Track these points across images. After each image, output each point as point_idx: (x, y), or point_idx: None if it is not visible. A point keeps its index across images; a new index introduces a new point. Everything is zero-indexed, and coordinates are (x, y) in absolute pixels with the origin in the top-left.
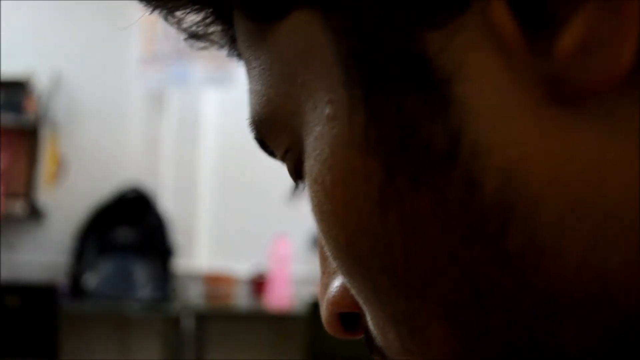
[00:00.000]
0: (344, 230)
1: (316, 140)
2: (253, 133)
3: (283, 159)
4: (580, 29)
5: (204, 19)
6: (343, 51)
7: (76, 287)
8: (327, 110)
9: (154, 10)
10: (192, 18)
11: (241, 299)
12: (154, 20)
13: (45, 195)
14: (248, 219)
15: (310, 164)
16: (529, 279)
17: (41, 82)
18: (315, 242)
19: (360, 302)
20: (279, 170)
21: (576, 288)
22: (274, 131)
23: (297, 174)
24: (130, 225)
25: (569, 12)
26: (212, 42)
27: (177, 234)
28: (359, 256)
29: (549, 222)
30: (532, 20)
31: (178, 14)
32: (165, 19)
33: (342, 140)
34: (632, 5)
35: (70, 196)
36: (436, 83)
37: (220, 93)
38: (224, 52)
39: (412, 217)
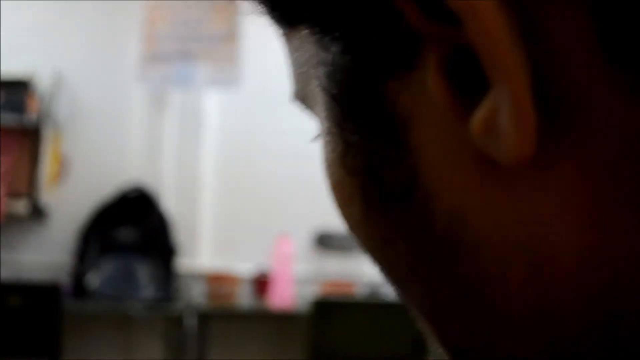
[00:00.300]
0: (345, 222)
1: (322, 141)
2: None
3: None
4: (485, 112)
5: None
6: (326, 77)
7: (79, 287)
8: (324, 124)
9: None
10: None
11: (244, 298)
12: (156, 19)
13: (48, 195)
14: (250, 219)
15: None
16: (478, 302)
17: (43, 81)
18: (317, 242)
19: None
20: (280, 169)
21: (519, 314)
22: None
23: None
24: (133, 224)
25: (482, 94)
26: None
27: (180, 234)
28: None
29: (491, 259)
30: (459, 91)
31: None
32: None
33: (332, 156)
34: (525, 97)
35: (72, 196)
36: (395, 127)
37: (223, 93)
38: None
39: (384, 234)
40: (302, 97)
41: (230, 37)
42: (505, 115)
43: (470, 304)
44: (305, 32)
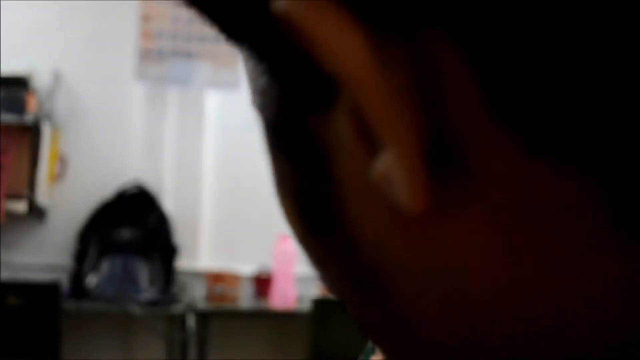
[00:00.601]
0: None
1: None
2: None
3: None
4: (379, 165)
5: None
6: (260, 101)
7: (78, 287)
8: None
9: None
10: None
11: (244, 298)
12: (154, 17)
13: (47, 194)
14: (251, 218)
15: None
16: (400, 329)
17: (42, 80)
18: None
19: None
20: None
21: (437, 341)
22: None
23: None
24: (133, 224)
25: (378, 146)
26: None
27: (180, 233)
28: None
29: (409, 290)
30: (365, 140)
31: None
32: None
33: (273, 175)
34: (414, 157)
35: (71, 195)
36: (320, 160)
37: (224, 92)
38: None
39: (318, 256)
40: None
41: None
42: (396, 172)
43: (394, 330)
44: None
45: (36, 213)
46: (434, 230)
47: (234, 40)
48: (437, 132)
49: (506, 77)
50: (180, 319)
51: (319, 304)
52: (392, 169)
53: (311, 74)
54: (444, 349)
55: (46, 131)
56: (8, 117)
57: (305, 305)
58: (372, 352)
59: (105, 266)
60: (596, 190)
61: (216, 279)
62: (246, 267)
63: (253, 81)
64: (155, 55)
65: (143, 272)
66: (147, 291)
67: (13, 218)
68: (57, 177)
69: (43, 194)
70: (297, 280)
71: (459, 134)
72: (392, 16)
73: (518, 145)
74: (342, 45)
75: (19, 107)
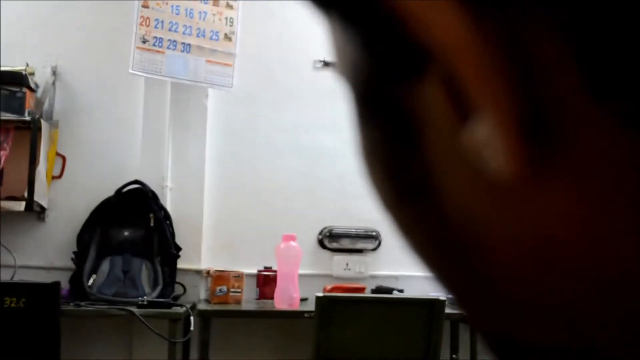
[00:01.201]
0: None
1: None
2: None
3: None
4: (474, 132)
5: None
6: (350, 68)
7: (78, 288)
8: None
9: None
10: None
11: (247, 299)
12: (156, 14)
13: (46, 193)
14: (254, 218)
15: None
16: (491, 292)
17: (40, 77)
18: (321, 242)
19: None
20: (285, 169)
21: (534, 304)
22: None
23: None
24: (133, 224)
25: (473, 109)
26: None
27: (182, 232)
28: None
29: (497, 256)
30: (457, 107)
31: None
32: None
33: (360, 143)
34: (511, 124)
35: (71, 195)
36: (408, 128)
37: (222, 91)
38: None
39: (405, 223)
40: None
41: (228, 35)
42: (493, 137)
43: (482, 294)
44: (335, 17)
45: (35, 212)
46: (528, 196)
47: (325, 9)
48: (532, 102)
49: (603, 50)
50: (182, 320)
51: (322, 304)
52: (489, 134)
53: (403, 43)
54: (533, 312)
55: (45, 129)
56: (6, 115)
57: (308, 306)
58: None
59: (106, 267)
60: None
61: (218, 279)
62: (249, 267)
63: (340, 52)
64: (150, 46)
65: (144, 273)
66: (148, 292)
67: (11, 218)
68: (57, 176)
69: (42, 194)
70: (300, 280)
71: (555, 104)
72: None
73: (613, 118)
74: (440, 17)
75: (17, 104)
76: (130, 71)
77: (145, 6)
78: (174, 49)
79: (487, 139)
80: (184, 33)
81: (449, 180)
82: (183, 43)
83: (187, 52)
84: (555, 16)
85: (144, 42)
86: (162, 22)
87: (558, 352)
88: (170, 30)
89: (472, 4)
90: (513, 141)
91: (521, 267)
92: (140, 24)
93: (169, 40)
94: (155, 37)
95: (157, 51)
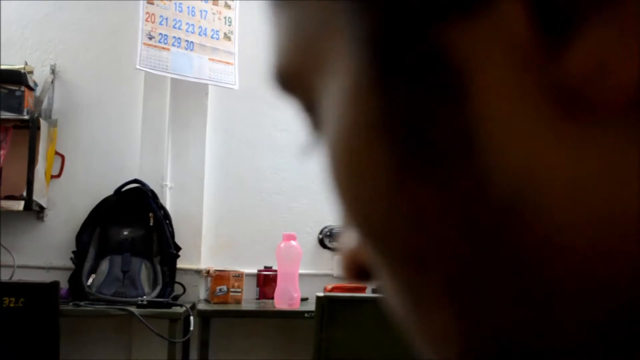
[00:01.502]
0: (357, 202)
1: (336, 110)
2: (277, 85)
3: (303, 112)
4: (595, 45)
5: None
6: (359, 33)
7: (77, 288)
8: (348, 86)
9: None
10: None
11: (247, 298)
12: (161, 11)
13: (45, 193)
14: (254, 217)
15: (330, 132)
16: (528, 281)
17: (39, 76)
18: (321, 242)
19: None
20: (285, 168)
21: (579, 290)
22: (296, 87)
23: (313, 128)
24: (133, 223)
25: (584, 24)
26: None
27: (181, 232)
28: (370, 227)
29: (558, 226)
30: (549, 25)
31: None
32: None
33: (359, 119)
34: (636, 25)
35: (70, 194)
36: (450, 76)
37: (222, 89)
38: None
39: (418, 206)
40: (301, 68)
41: (227, 35)
42: (614, 53)
43: (517, 285)
44: None
45: (34, 212)
46: (613, 136)
47: None
48: None
49: None
50: (182, 320)
51: (323, 304)
52: (608, 49)
53: None
54: (579, 306)
55: (43, 128)
56: (4, 114)
57: (308, 306)
58: None
59: (105, 266)
60: None
61: (218, 279)
62: (249, 267)
63: (321, 21)
64: (156, 42)
65: (143, 273)
66: (148, 292)
67: (10, 217)
68: (56, 175)
69: (41, 193)
70: (300, 280)
71: None
72: None
73: None
74: None
75: (16, 103)
76: (138, 67)
77: (150, 2)
78: (178, 47)
79: (602, 54)
80: (187, 31)
81: (509, 135)
82: (187, 41)
83: (191, 50)
84: None
85: (150, 38)
86: (167, 19)
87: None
88: (174, 27)
89: None
90: (637, 50)
91: (577, 232)
92: (146, 20)
93: (174, 37)
94: (160, 34)
95: (163, 48)
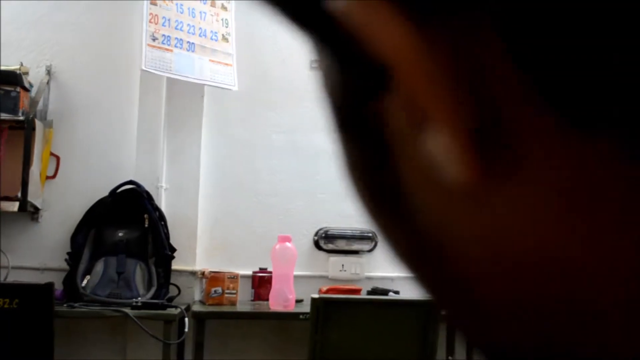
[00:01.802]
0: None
1: None
2: None
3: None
4: (430, 141)
5: None
6: (326, 83)
7: (72, 289)
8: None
9: None
10: None
11: (243, 300)
12: (163, 12)
13: (39, 194)
14: (250, 219)
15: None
16: (466, 296)
17: (34, 77)
18: (317, 243)
19: None
20: (281, 169)
21: (502, 308)
22: None
23: None
24: (128, 225)
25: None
26: None
27: (176, 234)
28: None
29: (465, 260)
30: (413, 119)
31: None
32: None
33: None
34: (462, 134)
35: (65, 195)
36: (379, 140)
37: (221, 90)
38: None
39: (388, 236)
40: None
41: (225, 36)
42: (446, 147)
43: (459, 299)
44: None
45: (29, 213)
46: (486, 202)
47: (296, 26)
48: (483, 111)
49: (541, 55)
50: (177, 321)
51: (318, 306)
52: (442, 144)
53: (367, 61)
54: (505, 315)
55: (39, 129)
56: (0, 115)
57: (304, 308)
58: None
59: (100, 268)
60: (628, 155)
61: (213, 280)
62: (244, 269)
63: (321, 64)
64: (159, 43)
65: (138, 274)
66: (142, 293)
67: (5, 218)
68: (51, 176)
69: (36, 194)
70: (295, 281)
71: (503, 111)
72: (432, 3)
73: (558, 121)
74: (387, 35)
75: (11, 104)
76: (143, 68)
77: (153, 3)
78: (180, 48)
79: (442, 149)
80: (188, 32)
81: (416, 190)
82: (188, 42)
83: (192, 51)
84: (492, 19)
85: (154, 39)
86: (169, 20)
87: (537, 356)
88: (176, 28)
89: (415, 15)
90: (466, 151)
91: (489, 271)
92: (150, 21)
93: (176, 38)
94: (163, 35)
95: (166, 49)
